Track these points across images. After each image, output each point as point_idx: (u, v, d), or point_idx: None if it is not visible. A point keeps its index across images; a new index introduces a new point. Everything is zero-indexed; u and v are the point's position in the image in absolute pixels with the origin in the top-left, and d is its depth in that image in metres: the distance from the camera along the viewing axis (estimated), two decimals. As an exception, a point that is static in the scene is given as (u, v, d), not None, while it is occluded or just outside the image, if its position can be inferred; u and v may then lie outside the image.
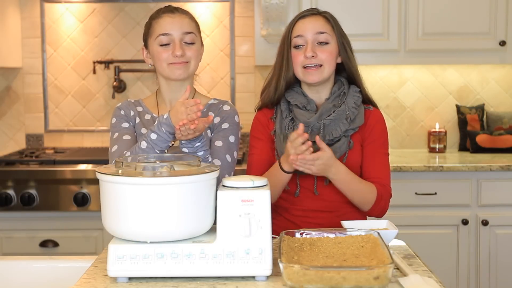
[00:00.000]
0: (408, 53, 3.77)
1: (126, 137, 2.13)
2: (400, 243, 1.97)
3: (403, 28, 3.74)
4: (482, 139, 3.91)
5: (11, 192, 3.42)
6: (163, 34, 2.12)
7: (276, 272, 1.63)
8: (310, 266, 1.54)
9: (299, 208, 2.17)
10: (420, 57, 3.79)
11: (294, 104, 2.18)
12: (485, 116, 4.07)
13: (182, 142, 1.96)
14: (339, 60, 2.19)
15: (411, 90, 4.12)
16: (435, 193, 3.50)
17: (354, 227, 1.86)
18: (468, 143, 4.00)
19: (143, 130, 2.16)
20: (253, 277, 1.62)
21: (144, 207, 1.57)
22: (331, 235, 1.75)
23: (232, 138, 2.14)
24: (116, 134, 2.15)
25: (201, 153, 1.98)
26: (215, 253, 1.60)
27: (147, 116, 2.21)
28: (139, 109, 2.23)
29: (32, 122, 4.12)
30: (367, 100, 2.23)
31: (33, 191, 3.42)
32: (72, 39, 4.08)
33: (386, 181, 2.15)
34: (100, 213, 1.68)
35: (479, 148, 3.92)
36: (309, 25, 2.15)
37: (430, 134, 4.04)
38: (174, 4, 2.25)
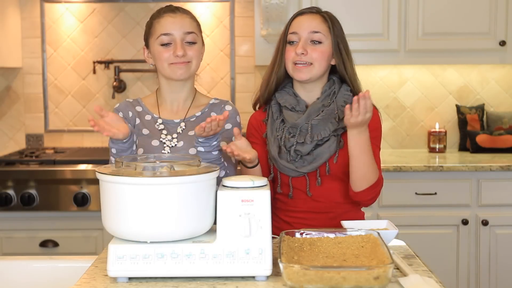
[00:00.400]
0: (408, 53, 3.76)
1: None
2: (400, 243, 1.97)
3: (403, 28, 3.74)
4: (482, 139, 3.91)
5: (11, 192, 3.42)
6: (165, 34, 2.12)
7: (276, 272, 1.63)
8: (310, 266, 1.54)
9: (293, 209, 2.17)
10: (420, 57, 3.79)
11: (284, 106, 2.17)
12: (485, 116, 4.07)
13: (199, 140, 1.96)
14: (333, 62, 2.18)
15: (411, 90, 4.12)
16: (435, 193, 3.50)
17: (354, 227, 1.86)
18: (468, 143, 4.00)
19: (145, 131, 2.16)
20: (253, 277, 1.62)
21: (144, 207, 1.57)
22: (331, 235, 1.75)
23: (234, 139, 2.14)
24: None
25: (215, 153, 1.99)
26: (215, 253, 1.60)
27: (148, 117, 2.20)
28: (139, 109, 2.22)
29: (32, 122, 4.12)
30: None
31: (33, 191, 3.42)
32: (72, 39, 4.08)
33: (380, 172, 2.14)
34: (100, 213, 1.68)
35: (479, 148, 3.91)
36: (305, 23, 2.15)
37: (430, 134, 4.04)
38: (175, 4, 2.25)
